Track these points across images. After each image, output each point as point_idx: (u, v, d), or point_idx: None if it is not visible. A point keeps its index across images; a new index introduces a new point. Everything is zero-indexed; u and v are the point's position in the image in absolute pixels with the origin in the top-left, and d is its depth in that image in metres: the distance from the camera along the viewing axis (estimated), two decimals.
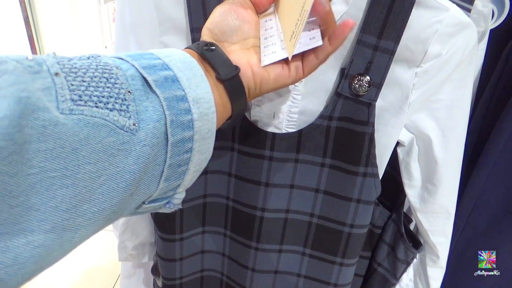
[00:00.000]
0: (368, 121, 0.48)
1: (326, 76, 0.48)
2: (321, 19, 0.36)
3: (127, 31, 0.51)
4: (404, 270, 0.60)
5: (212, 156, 0.35)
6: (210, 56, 0.35)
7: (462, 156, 0.53)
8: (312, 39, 0.37)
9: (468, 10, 0.50)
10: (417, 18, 0.44)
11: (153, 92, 0.29)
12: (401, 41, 0.44)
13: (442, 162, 0.51)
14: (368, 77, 0.46)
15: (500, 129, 0.55)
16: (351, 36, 0.45)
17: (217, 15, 0.39)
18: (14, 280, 0.22)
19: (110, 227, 0.42)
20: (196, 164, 0.33)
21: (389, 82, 0.47)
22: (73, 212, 0.25)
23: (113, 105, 0.26)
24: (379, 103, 0.48)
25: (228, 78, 0.35)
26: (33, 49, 2.40)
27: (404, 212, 0.60)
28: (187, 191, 0.35)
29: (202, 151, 0.32)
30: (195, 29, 0.46)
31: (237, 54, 0.38)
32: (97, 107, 0.25)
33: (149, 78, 0.29)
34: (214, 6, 0.44)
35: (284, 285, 0.60)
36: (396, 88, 0.48)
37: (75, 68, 0.26)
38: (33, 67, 0.24)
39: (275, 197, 0.53)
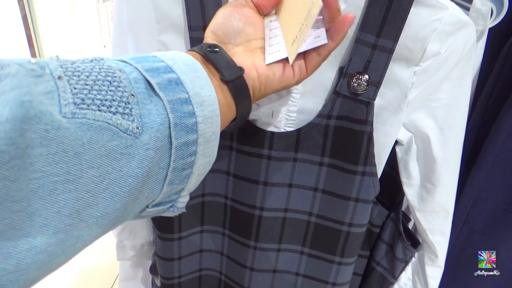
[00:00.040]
0: (366, 120, 0.47)
1: (325, 75, 0.48)
2: (329, 15, 0.36)
3: (125, 29, 0.51)
4: (403, 269, 0.60)
5: None
6: (214, 58, 0.35)
7: (461, 155, 0.53)
8: (317, 37, 0.37)
9: (466, 9, 0.50)
10: (416, 17, 0.43)
11: (157, 95, 0.29)
12: (399, 39, 0.44)
13: (441, 161, 0.51)
14: (366, 76, 0.46)
15: (499, 128, 0.55)
16: (350, 34, 0.45)
17: (220, 17, 0.39)
18: (16, 286, 0.22)
19: None
20: (200, 168, 0.32)
21: (388, 80, 0.47)
22: (76, 217, 0.25)
23: (116, 108, 0.26)
24: (377, 102, 0.48)
25: (233, 80, 0.35)
26: (32, 48, 2.39)
27: (402, 211, 0.60)
28: None
29: (206, 154, 0.32)
30: (193, 28, 0.46)
31: (241, 56, 0.37)
32: (100, 110, 0.25)
33: (152, 81, 0.29)
34: (212, 5, 0.44)
35: (282, 284, 0.60)
36: (394, 86, 0.48)
37: (78, 71, 0.26)
38: (35, 71, 0.23)
39: (273, 196, 0.53)
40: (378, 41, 0.44)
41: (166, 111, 0.29)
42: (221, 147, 0.52)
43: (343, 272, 0.57)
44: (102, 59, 0.28)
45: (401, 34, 0.44)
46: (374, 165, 0.50)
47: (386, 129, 0.50)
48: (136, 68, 0.29)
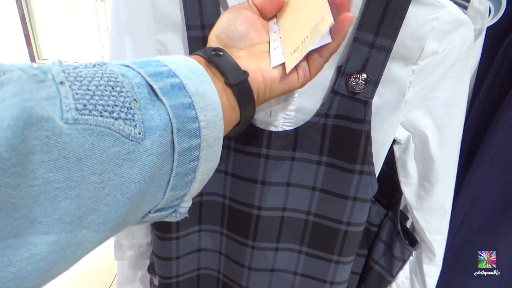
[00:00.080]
0: (364, 119, 0.47)
1: (323, 74, 0.48)
2: (340, 9, 0.35)
3: (123, 28, 0.51)
4: (401, 268, 0.61)
5: None
6: (218, 61, 0.35)
7: (459, 154, 0.53)
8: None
9: (465, 8, 0.50)
10: (414, 15, 0.43)
11: (159, 100, 0.29)
12: (397, 38, 0.44)
13: (439, 159, 0.51)
14: (364, 75, 0.46)
15: (497, 127, 0.55)
16: (348, 33, 0.45)
17: (224, 21, 0.39)
18: None
19: None
20: (203, 173, 0.32)
21: (386, 79, 0.47)
22: (77, 224, 0.24)
23: (118, 114, 0.26)
24: (375, 101, 0.48)
25: (237, 83, 0.35)
26: (30, 48, 2.39)
27: (400, 210, 0.60)
28: None
29: (209, 159, 0.32)
30: (191, 26, 0.46)
31: (245, 60, 0.38)
32: (102, 116, 0.25)
33: (155, 86, 0.28)
34: (210, 3, 0.44)
35: (280, 283, 0.60)
36: (392, 85, 0.48)
37: (81, 76, 0.26)
38: (38, 76, 0.23)
39: (271, 195, 0.53)
40: (376, 40, 0.44)
41: (169, 116, 0.28)
42: None
43: (341, 271, 0.57)
44: (105, 63, 0.28)
45: (399, 33, 0.44)
46: (372, 164, 0.50)
47: (384, 128, 0.50)
48: (139, 73, 0.29)
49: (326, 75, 0.48)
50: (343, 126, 0.48)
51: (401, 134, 0.52)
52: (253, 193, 0.53)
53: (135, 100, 0.27)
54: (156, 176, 0.29)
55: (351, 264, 0.58)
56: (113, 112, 0.26)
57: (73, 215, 0.24)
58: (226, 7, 0.45)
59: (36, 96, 0.22)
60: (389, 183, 0.58)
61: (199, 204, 0.57)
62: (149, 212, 0.32)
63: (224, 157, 0.52)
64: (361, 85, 0.46)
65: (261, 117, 0.49)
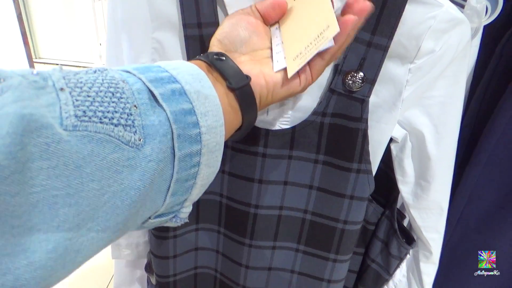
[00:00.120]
0: (361, 118, 0.47)
1: None
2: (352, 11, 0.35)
3: (119, 27, 0.51)
4: (397, 266, 0.61)
5: None
6: (220, 66, 0.35)
7: (455, 152, 0.53)
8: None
9: (461, 6, 0.51)
10: (411, 14, 0.43)
11: (160, 106, 0.28)
12: (394, 37, 0.44)
13: (435, 158, 0.52)
14: (361, 73, 0.46)
15: (493, 125, 0.56)
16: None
17: (226, 26, 0.39)
18: None
19: None
20: (204, 178, 0.32)
21: (383, 78, 0.47)
22: (76, 231, 0.24)
23: (118, 120, 0.26)
24: (372, 99, 0.48)
25: (239, 87, 0.35)
26: (27, 47, 2.38)
27: (397, 208, 0.60)
28: None
29: (210, 164, 0.32)
30: (188, 25, 0.46)
31: (247, 64, 0.38)
32: (101, 122, 0.25)
33: (155, 92, 0.28)
34: (207, 2, 0.44)
35: (277, 282, 0.60)
36: (389, 84, 0.48)
37: (81, 82, 0.25)
38: (38, 82, 0.23)
39: (268, 194, 0.53)
40: (373, 39, 0.44)
41: (169, 121, 0.28)
42: None
43: (338, 269, 0.57)
44: (106, 69, 0.28)
45: (396, 31, 0.44)
46: (369, 162, 0.50)
47: (381, 126, 0.50)
48: (140, 79, 0.29)
49: (323, 73, 0.48)
50: (340, 125, 0.48)
51: (398, 133, 0.52)
52: (250, 192, 0.53)
53: (135, 106, 0.27)
54: (156, 182, 0.29)
55: (348, 262, 0.58)
56: (113, 118, 0.25)
57: (72, 222, 0.24)
58: (223, 5, 0.45)
59: (36, 103, 0.22)
60: (386, 181, 0.59)
61: (196, 203, 0.57)
62: (149, 217, 0.32)
63: None
64: (358, 84, 0.46)
65: (258, 116, 0.49)
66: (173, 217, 0.34)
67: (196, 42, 0.46)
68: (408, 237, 0.60)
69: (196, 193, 0.33)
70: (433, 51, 0.45)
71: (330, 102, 0.48)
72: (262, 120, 0.49)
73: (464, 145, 0.61)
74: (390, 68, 0.47)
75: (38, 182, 0.22)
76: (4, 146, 0.20)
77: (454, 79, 0.49)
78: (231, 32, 0.38)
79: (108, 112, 0.25)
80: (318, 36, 0.35)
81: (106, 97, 0.26)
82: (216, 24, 0.45)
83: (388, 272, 0.61)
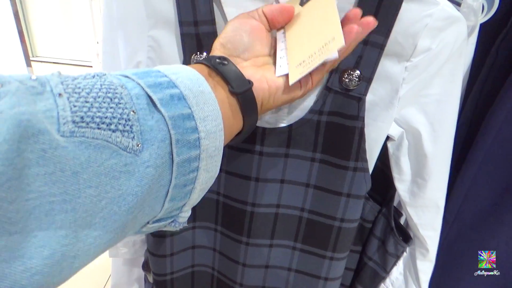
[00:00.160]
0: (358, 116, 0.48)
1: None
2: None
3: (115, 25, 0.51)
4: (394, 264, 0.61)
5: None
6: (223, 70, 0.35)
7: (452, 150, 0.53)
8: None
9: (458, 4, 0.50)
10: (407, 12, 0.43)
11: (158, 111, 0.28)
12: (391, 35, 0.44)
13: (432, 156, 0.52)
14: (358, 72, 0.46)
15: (489, 123, 0.56)
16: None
17: (230, 30, 0.39)
18: None
19: None
20: (203, 183, 0.32)
21: (379, 76, 0.47)
22: (73, 237, 0.24)
23: (116, 126, 0.26)
24: (369, 98, 0.48)
25: (242, 92, 0.35)
26: (23, 45, 2.37)
27: (394, 206, 0.61)
28: None
29: (209, 169, 0.32)
30: (184, 23, 0.45)
31: (249, 70, 0.38)
32: (99, 128, 0.25)
33: (154, 97, 0.28)
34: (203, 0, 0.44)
35: (275, 280, 0.60)
36: (386, 82, 0.48)
37: (79, 88, 0.25)
38: (36, 88, 0.23)
39: (265, 192, 0.53)
40: (369, 37, 0.44)
41: (168, 127, 0.28)
42: None
43: (335, 267, 0.57)
44: (104, 74, 0.28)
45: (392, 29, 0.44)
46: (366, 160, 0.50)
47: (378, 124, 0.50)
48: (138, 84, 0.29)
49: None
50: (336, 123, 0.48)
51: (395, 131, 0.52)
52: (247, 190, 0.53)
53: (133, 111, 0.27)
54: (154, 188, 0.28)
55: (345, 260, 0.58)
56: (110, 124, 0.25)
57: (68, 228, 0.24)
58: (219, 3, 0.45)
59: (33, 109, 0.22)
60: (383, 179, 0.59)
61: None
62: (148, 222, 0.31)
63: None
64: (355, 82, 0.46)
65: None
66: (172, 221, 0.34)
67: (192, 40, 0.46)
68: (404, 235, 0.60)
69: (195, 198, 0.33)
70: (430, 49, 0.45)
71: (327, 100, 0.48)
72: (259, 118, 0.49)
73: (461, 143, 0.61)
74: (386, 66, 0.47)
75: (35, 189, 0.22)
76: (1, 152, 0.20)
77: (451, 77, 0.49)
78: (235, 37, 0.39)
79: (106, 117, 0.25)
80: (323, 47, 0.36)
81: (104, 102, 0.26)
82: (212, 22, 0.45)
83: (385, 269, 0.61)
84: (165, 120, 0.28)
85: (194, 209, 0.57)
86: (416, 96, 0.49)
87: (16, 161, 0.20)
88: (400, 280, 0.62)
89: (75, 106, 0.24)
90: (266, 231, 0.56)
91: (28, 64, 2.37)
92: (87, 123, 0.24)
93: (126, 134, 0.26)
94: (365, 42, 0.44)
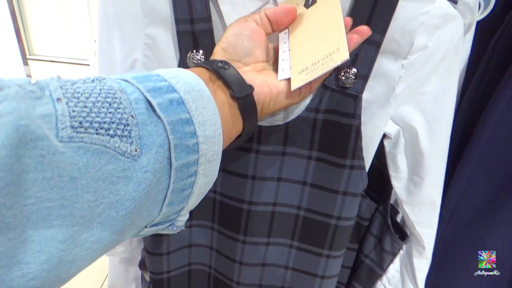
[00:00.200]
0: (354, 114, 0.47)
1: None
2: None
3: (111, 23, 0.50)
4: (391, 262, 0.61)
5: None
6: (224, 74, 0.35)
7: (448, 148, 0.53)
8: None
9: (454, 2, 0.50)
10: (404, 10, 0.43)
11: (157, 116, 0.28)
12: (387, 33, 0.44)
13: (428, 154, 0.52)
14: (354, 69, 0.46)
15: (485, 121, 0.56)
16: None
17: (231, 35, 0.39)
18: None
19: None
20: (201, 187, 0.32)
21: (376, 74, 0.47)
22: (70, 243, 0.24)
23: (114, 131, 0.26)
24: (365, 96, 0.48)
25: (243, 96, 0.35)
26: (20, 43, 2.36)
27: (391, 204, 0.61)
28: None
29: (207, 174, 0.32)
30: (180, 21, 0.45)
31: (250, 74, 0.38)
32: (97, 133, 0.25)
33: (153, 102, 0.28)
34: None
35: (271, 278, 0.60)
36: (382, 80, 0.48)
37: (78, 92, 0.25)
38: (35, 92, 0.23)
39: (262, 190, 0.53)
40: None
41: (166, 132, 0.28)
42: None
43: (332, 265, 0.57)
44: (104, 78, 0.28)
45: (389, 27, 0.44)
46: (362, 158, 0.50)
47: (374, 122, 0.50)
48: (138, 88, 0.29)
49: None
50: (333, 121, 0.48)
51: (391, 129, 0.52)
52: (243, 188, 0.53)
53: (132, 116, 0.27)
54: (152, 192, 0.28)
55: (342, 258, 0.58)
56: (109, 129, 0.25)
57: (66, 233, 0.24)
58: (215, 1, 0.45)
59: (32, 113, 0.22)
60: (379, 177, 0.59)
61: None
62: (145, 226, 0.31)
63: None
64: (351, 80, 0.46)
65: None
66: (170, 225, 0.34)
67: (189, 38, 0.46)
68: (401, 233, 0.61)
69: (193, 202, 0.33)
70: (426, 47, 0.45)
71: (323, 98, 0.48)
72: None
73: (457, 140, 0.61)
74: (383, 64, 0.47)
75: (33, 194, 0.22)
76: (0, 158, 0.20)
77: (447, 75, 0.49)
78: (236, 41, 0.39)
79: (104, 123, 0.25)
80: (327, 57, 0.36)
81: (103, 107, 0.26)
82: (208, 20, 0.45)
83: (382, 267, 0.61)
84: (164, 125, 0.28)
85: None
86: (412, 94, 0.49)
87: (15, 167, 0.20)
88: (397, 278, 0.62)
89: (74, 111, 0.24)
90: (262, 229, 0.56)
91: (25, 63, 2.36)
92: (86, 128, 0.24)
93: (124, 139, 0.26)
94: None
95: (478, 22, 0.54)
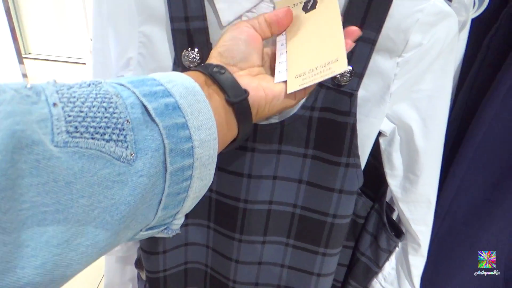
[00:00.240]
0: (350, 112, 0.48)
1: None
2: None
3: (105, 21, 0.50)
4: (387, 259, 0.61)
5: None
6: (220, 79, 0.35)
7: (443, 146, 0.54)
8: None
9: (449, 0, 0.51)
10: (398, 7, 0.43)
11: (153, 120, 0.28)
12: (382, 30, 0.44)
13: (423, 151, 0.52)
14: (350, 67, 0.46)
15: (480, 119, 0.56)
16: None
17: (228, 39, 0.39)
18: None
19: None
20: (196, 191, 0.32)
21: (371, 72, 0.47)
22: (65, 247, 0.24)
23: (110, 136, 0.26)
24: (360, 93, 0.48)
25: (238, 101, 0.35)
26: (16, 42, 2.35)
27: (386, 202, 0.61)
28: None
29: (203, 177, 0.32)
30: (175, 19, 0.45)
31: (245, 79, 0.38)
32: (93, 138, 0.25)
33: (149, 106, 0.28)
34: None
35: (268, 276, 0.60)
36: (377, 78, 0.48)
37: (74, 97, 0.25)
38: (31, 97, 0.23)
39: (258, 188, 0.53)
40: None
41: (162, 136, 0.28)
42: None
43: (328, 263, 0.58)
44: (100, 83, 0.28)
45: (384, 25, 0.44)
46: (358, 156, 0.51)
47: (370, 120, 0.50)
48: (134, 93, 0.29)
49: None
50: (328, 119, 0.48)
51: (387, 127, 0.52)
52: (239, 187, 0.53)
53: (128, 121, 0.27)
54: (147, 196, 0.29)
55: (338, 256, 0.59)
56: (104, 134, 0.25)
57: (60, 238, 0.24)
58: None
59: (28, 118, 0.22)
60: (375, 175, 0.59)
61: None
62: (140, 230, 0.32)
63: None
64: (346, 78, 0.46)
65: None
66: (165, 228, 0.34)
67: (184, 36, 0.46)
68: (397, 230, 0.61)
69: (188, 206, 0.33)
70: (421, 45, 0.45)
71: (319, 96, 0.48)
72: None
73: (452, 138, 0.61)
74: (378, 61, 0.47)
75: (28, 199, 0.22)
76: None
77: (442, 73, 0.49)
78: (233, 46, 0.39)
79: (100, 127, 0.25)
80: (325, 65, 0.36)
81: (99, 112, 0.26)
82: (203, 18, 0.45)
83: (378, 265, 0.61)
84: (159, 129, 0.28)
85: None
86: (407, 92, 0.49)
87: (10, 172, 0.20)
88: (393, 275, 0.63)
89: (69, 115, 0.24)
90: (259, 227, 0.56)
91: (20, 62, 2.35)
92: (81, 133, 0.24)
93: (120, 143, 0.26)
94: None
95: (472, 20, 0.55)
